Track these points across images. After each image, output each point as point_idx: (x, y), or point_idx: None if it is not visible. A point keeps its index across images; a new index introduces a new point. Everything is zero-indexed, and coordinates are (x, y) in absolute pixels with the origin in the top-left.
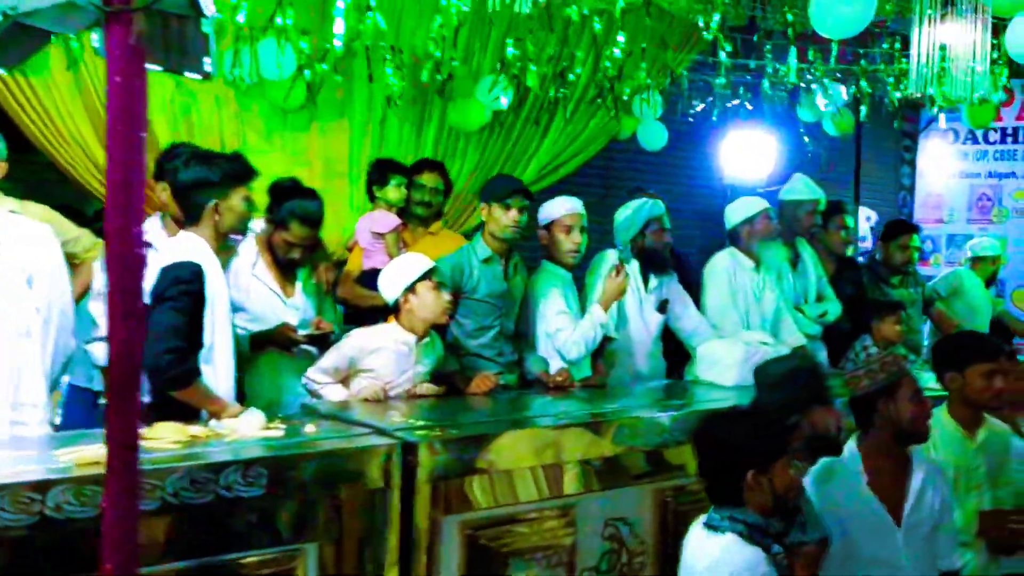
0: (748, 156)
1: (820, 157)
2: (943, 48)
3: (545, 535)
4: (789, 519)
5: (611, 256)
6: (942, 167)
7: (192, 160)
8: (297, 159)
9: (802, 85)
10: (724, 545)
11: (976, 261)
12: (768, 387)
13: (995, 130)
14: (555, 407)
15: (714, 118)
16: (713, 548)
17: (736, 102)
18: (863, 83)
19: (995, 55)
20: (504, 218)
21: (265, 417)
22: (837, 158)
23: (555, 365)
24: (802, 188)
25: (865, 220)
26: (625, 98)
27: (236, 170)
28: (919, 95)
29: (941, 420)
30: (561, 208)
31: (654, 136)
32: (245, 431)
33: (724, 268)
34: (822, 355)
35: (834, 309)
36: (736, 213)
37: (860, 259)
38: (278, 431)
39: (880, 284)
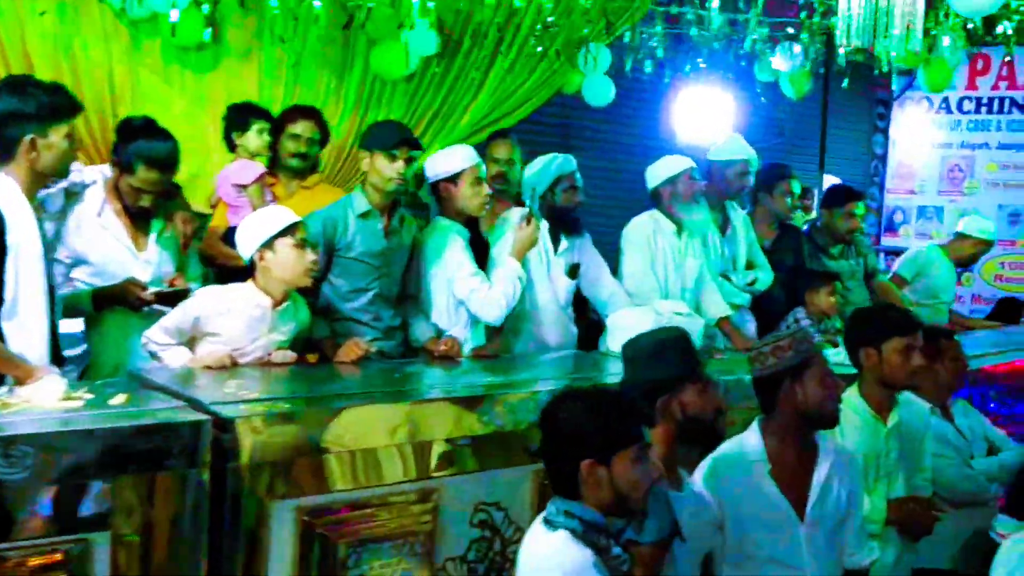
0: (709, 116)
1: (779, 119)
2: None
3: (400, 522)
4: (632, 517)
5: (516, 213)
6: (915, 136)
7: (3, 89)
8: (199, 102)
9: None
10: (554, 543)
11: (959, 238)
12: (635, 363)
13: (970, 100)
14: (430, 378)
15: (666, 79)
16: (543, 546)
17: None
18: (803, 37)
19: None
20: (388, 169)
21: (68, 384)
22: (805, 124)
23: (455, 333)
24: (731, 147)
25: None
26: (557, 49)
27: (56, 103)
28: (850, 47)
29: (851, 401)
30: (468, 159)
31: (600, 91)
32: (40, 401)
33: (643, 232)
34: (750, 326)
35: (765, 278)
36: (657, 173)
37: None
38: (78, 402)
39: (819, 254)
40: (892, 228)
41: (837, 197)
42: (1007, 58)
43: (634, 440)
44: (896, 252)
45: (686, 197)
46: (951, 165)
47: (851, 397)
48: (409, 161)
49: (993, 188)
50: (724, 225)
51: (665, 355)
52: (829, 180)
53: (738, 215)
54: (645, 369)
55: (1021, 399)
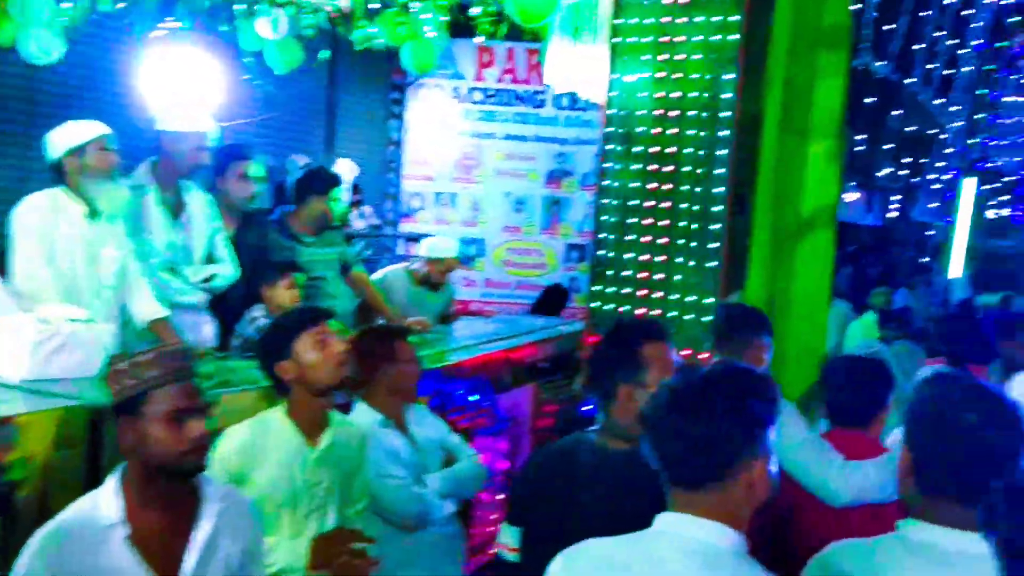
0: (199, 84)
1: (273, 94)
2: None
3: None
4: None
5: None
6: (430, 123)
7: None
8: None
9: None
10: None
11: (426, 262)
12: None
13: (479, 91)
14: None
15: (139, 35)
16: None
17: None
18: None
19: None
20: None
21: None
22: (318, 103)
23: None
24: (184, 119)
25: (348, 173)
26: None
27: None
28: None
29: (275, 425)
30: None
31: (41, 45)
32: None
33: (39, 215)
34: (206, 329)
35: (226, 273)
36: (60, 142)
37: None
38: None
39: (292, 243)
40: (410, 214)
41: (315, 183)
42: (484, 48)
43: None
44: (415, 239)
45: (99, 172)
46: (464, 153)
47: (275, 420)
48: None
49: (500, 177)
50: (178, 209)
51: None
52: (343, 164)
53: (197, 199)
54: None
55: (494, 391)
